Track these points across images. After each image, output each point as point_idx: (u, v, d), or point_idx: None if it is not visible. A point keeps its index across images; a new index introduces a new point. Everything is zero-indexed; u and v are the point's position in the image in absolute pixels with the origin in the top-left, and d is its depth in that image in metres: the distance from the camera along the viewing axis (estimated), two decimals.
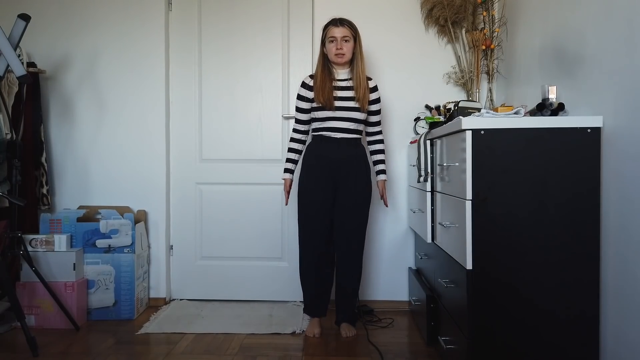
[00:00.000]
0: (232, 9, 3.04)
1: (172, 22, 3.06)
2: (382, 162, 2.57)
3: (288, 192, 2.55)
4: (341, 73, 2.46)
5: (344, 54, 2.39)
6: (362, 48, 2.46)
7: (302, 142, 2.56)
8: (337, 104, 2.41)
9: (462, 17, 2.83)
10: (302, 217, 2.49)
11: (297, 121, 2.54)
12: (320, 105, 2.41)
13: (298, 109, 2.52)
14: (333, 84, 2.43)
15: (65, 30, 3.02)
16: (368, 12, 2.96)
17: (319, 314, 2.54)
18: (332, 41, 2.39)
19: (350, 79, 2.44)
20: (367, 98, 2.42)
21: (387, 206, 2.63)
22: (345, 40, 2.38)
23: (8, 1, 3.00)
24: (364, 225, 2.49)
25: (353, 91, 2.42)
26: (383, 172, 2.56)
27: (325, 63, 2.45)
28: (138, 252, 2.82)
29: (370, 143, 2.59)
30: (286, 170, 2.54)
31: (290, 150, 2.55)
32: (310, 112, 2.50)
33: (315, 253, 2.48)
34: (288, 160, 2.54)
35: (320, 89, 2.39)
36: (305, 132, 2.55)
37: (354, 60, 2.43)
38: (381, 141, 2.58)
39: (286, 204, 2.57)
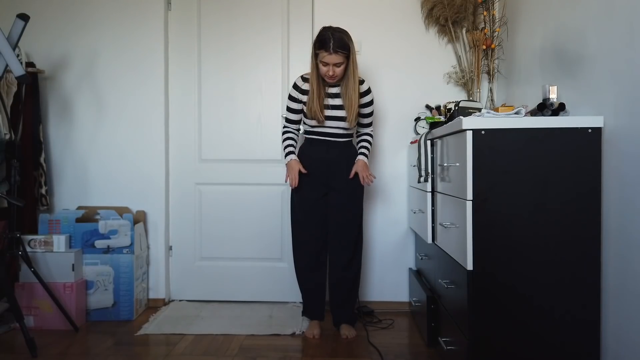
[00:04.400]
0: (231, 8, 3.03)
1: (171, 22, 3.05)
2: (366, 147, 2.50)
3: (297, 172, 2.43)
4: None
5: (335, 77, 2.33)
6: (355, 63, 2.35)
7: (296, 133, 2.56)
8: (327, 113, 2.39)
9: (462, 16, 2.83)
10: (295, 219, 2.49)
11: (288, 121, 2.52)
12: (311, 117, 2.41)
13: (289, 109, 2.50)
14: (325, 90, 2.41)
15: (64, 30, 3.01)
16: (368, 12, 2.95)
17: (318, 317, 2.54)
18: (325, 65, 2.30)
19: (340, 93, 2.41)
20: (356, 113, 2.39)
21: (367, 184, 2.42)
22: (338, 66, 2.30)
23: (7, 1, 3.00)
24: (358, 225, 2.48)
25: (343, 103, 2.40)
26: (363, 154, 2.47)
27: (319, 74, 2.36)
28: (137, 253, 2.81)
29: (359, 135, 2.57)
30: (289, 154, 2.47)
31: (287, 139, 2.51)
32: (301, 113, 2.49)
33: (310, 255, 2.47)
34: (287, 146, 2.50)
35: (314, 104, 2.35)
36: (297, 130, 2.56)
37: (346, 79, 2.36)
38: (370, 135, 2.56)
39: (294, 185, 2.41)
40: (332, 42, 2.24)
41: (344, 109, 2.40)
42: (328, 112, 2.40)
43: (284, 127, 2.55)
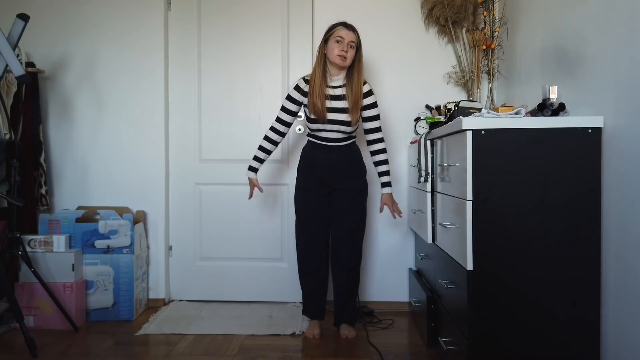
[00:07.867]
0: (232, 8, 3.03)
1: (171, 22, 3.05)
2: (386, 173, 2.45)
3: (254, 188, 2.53)
4: (336, 80, 2.40)
5: (346, 58, 2.33)
6: (362, 59, 2.39)
7: (276, 143, 2.50)
8: (330, 116, 2.36)
9: (462, 16, 2.83)
10: (299, 221, 2.49)
11: (279, 120, 2.47)
12: (313, 117, 2.39)
13: (284, 109, 2.46)
14: (327, 92, 2.38)
15: (64, 30, 3.01)
16: (368, 12, 2.95)
17: (318, 316, 2.54)
18: (339, 41, 2.32)
19: (343, 86, 2.39)
20: (359, 106, 2.36)
21: (396, 217, 2.48)
22: (351, 46, 2.34)
23: (7, 1, 3.00)
24: (361, 226, 2.48)
25: (346, 101, 2.37)
26: (387, 184, 2.45)
27: (324, 67, 2.38)
28: (137, 253, 2.81)
29: (373, 153, 2.46)
30: (251, 169, 2.50)
31: (261, 148, 2.48)
32: (295, 115, 2.48)
33: (313, 256, 2.47)
34: (255, 158, 2.49)
35: (316, 100, 2.33)
36: (282, 135, 2.50)
37: (352, 70, 2.38)
38: (383, 150, 2.45)
39: (249, 198, 2.56)
40: (348, 24, 2.37)
41: (346, 112, 2.36)
42: (330, 115, 2.36)
43: (271, 127, 2.49)
